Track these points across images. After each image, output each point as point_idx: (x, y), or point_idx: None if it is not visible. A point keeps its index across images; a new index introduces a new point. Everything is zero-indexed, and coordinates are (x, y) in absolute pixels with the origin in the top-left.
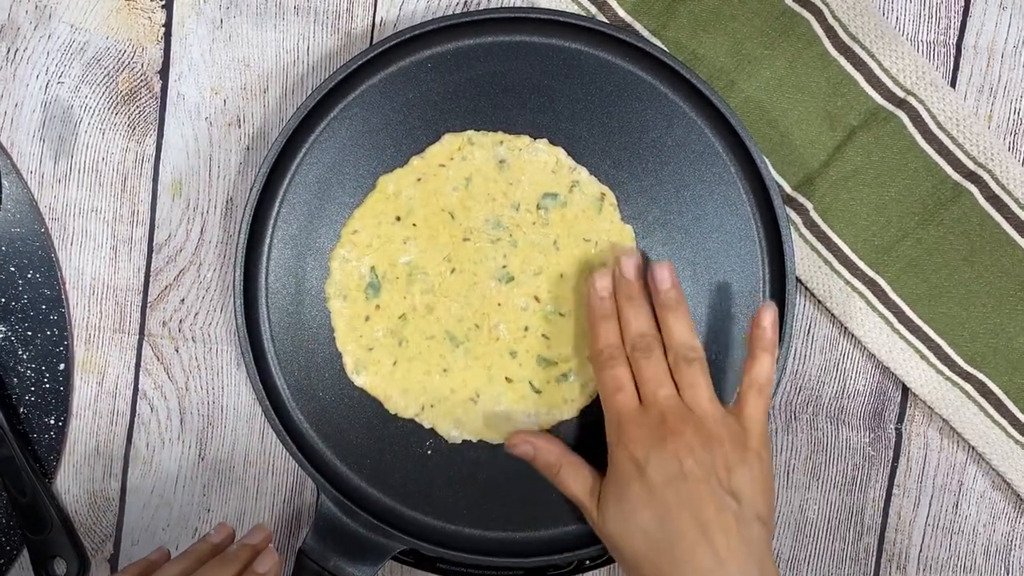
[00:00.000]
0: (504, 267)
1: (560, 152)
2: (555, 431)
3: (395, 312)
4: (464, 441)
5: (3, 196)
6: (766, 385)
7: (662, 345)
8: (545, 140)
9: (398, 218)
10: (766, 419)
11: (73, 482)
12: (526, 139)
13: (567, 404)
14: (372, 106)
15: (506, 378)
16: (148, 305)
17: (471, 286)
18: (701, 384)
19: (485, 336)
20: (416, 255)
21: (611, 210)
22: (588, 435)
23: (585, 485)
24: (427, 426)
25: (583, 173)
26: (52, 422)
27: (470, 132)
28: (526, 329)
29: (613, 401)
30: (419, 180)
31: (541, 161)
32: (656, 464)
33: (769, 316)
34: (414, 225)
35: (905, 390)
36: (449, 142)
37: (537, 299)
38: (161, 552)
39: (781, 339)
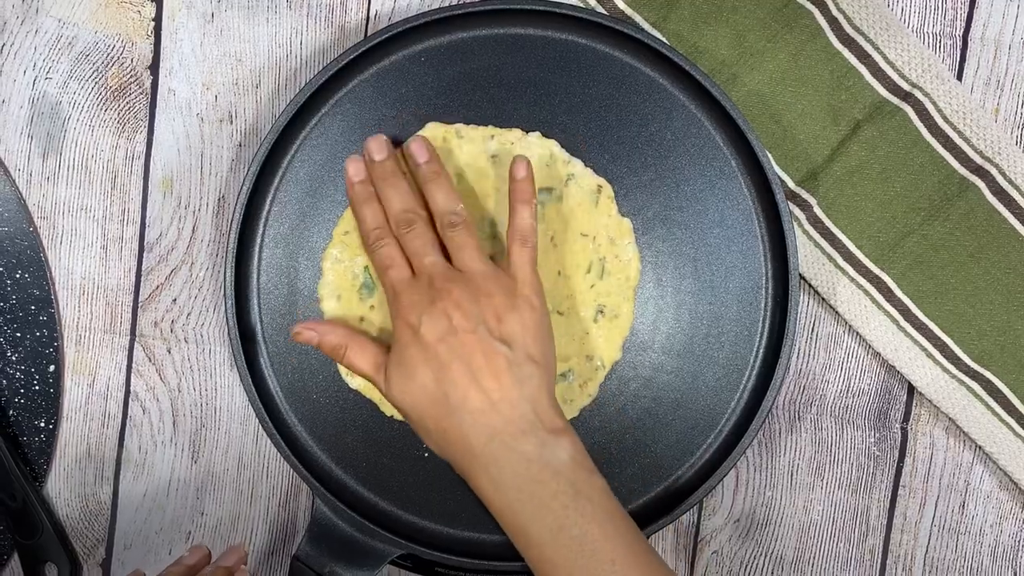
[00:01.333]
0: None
1: (554, 145)
2: None
3: (389, 313)
4: None
5: None
6: (529, 235)
7: (425, 216)
8: (538, 133)
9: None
10: (533, 267)
11: (64, 486)
12: (518, 132)
13: (567, 404)
14: (364, 101)
15: None
16: (139, 305)
17: None
18: (468, 245)
19: None
20: None
21: (608, 203)
22: (589, 436)
23: (372, 360)
24: None
25: (578, 166)
26: (42, 425)
27: (459, 124)
28: None
29: (387, 277)
30: (406, 173)
31: (535, 155)
32: (428, 324)
33: (522, 168)
34: None
35: (911, 389)
36: (433, 130)
37: None
38: (136, 574)
39: (784, 337)
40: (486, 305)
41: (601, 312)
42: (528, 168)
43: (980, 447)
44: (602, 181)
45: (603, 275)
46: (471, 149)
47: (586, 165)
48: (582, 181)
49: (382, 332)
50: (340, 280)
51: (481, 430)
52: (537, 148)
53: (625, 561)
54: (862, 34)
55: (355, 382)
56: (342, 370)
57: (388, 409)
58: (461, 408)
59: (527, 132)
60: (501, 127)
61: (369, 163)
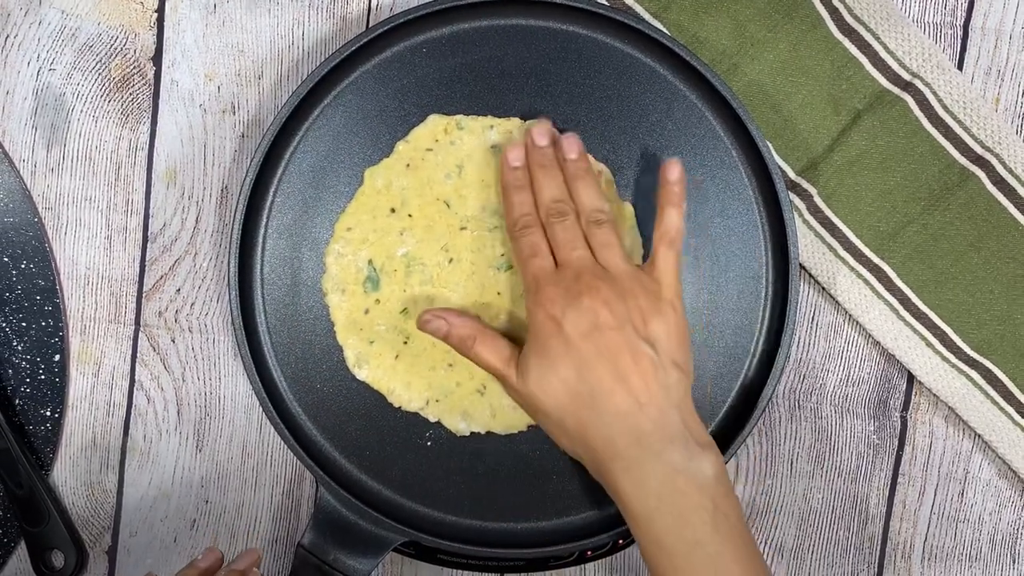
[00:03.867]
0: (502, 255)
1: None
2: None
3: (395, 305)
4: (472, 433)
5: None
6: (676, 238)
7: (575, 209)
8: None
9: (392, 210)
10: (678, 272)
11: (70, 474)
12: (516, 121)
13: None
14: (366, 92)
15: None
16: (144, 295)
17: (470, 275)
18: (613, 243)
19: None
20: (413, 246)
21: (609, 188)
22: None
23: (503, 354)
24: (432, 419)
25: None
26: (48, 414)
27: (459, 116)
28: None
29: (530, 266)
30: (408, 167)
31: None
32: (572, 319)
33: (675, 171)
34: (409, 216)
35: (910, 378)
36: (434, 123)
37: None
38: None
39: (784, 326)
40: (632, 305)
41: None
42: (682, 171)
43: (979, 436)
44: (602, 166)
45: None
46: (472, 140)
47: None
48: None
49: (390, 328)
50: (344, 274)
51: (627, 431)
52: None
53: None
54: (862, 24)
55: (362, 374)
56: (349, 360)
57: (396, 400)
58: (606, 407)
59: (525, 120)
60: (501, 117)
61: (530, 147)
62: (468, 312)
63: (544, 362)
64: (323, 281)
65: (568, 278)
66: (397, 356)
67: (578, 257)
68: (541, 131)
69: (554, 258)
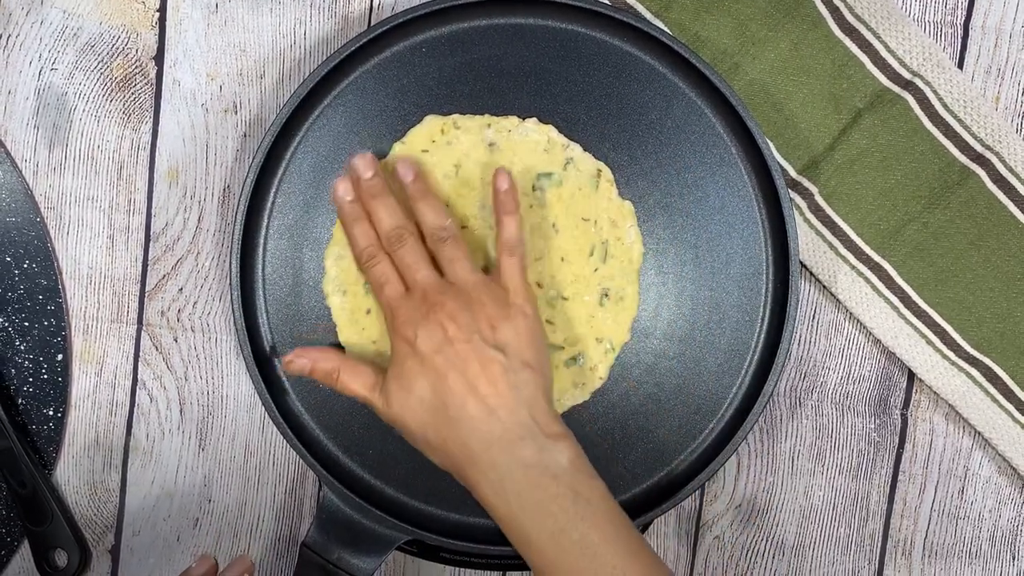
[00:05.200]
0: None
1: (551, 130)
2: (568, 416)
3: None
4: None
5: None
6: (517, 246)
7: (415, 231)
8: (535, 119)
9: None
10: (523, 276)
11: (73, 473)
12: (514, 119)
13: (578, 388)
14: (366, 92)
15: None
16: (146, 294)
17: None
18: (458, 257)
19: None
20: None
21: (608, 186)
22: (593, 422)
23: (367, 381)
24: None
25: (576, 150)
26: (51, 413)
27: (455, 115)
28: None
29: (382, 295)
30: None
31: (532, 141)
32: (423, 337)
33: (504, 181)
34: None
35: (911, 376)
36: (431, 123)
37: (540, 285)
38: None
39: (785, 324)
40: (479, 314)
41: (606, 295)
42: (510, 180)
43: (979, 433)
44: (601, 165)
45: (606, 258)
46: (468, 139)
47: (585, 151)
48: (581, 165)
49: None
50: (345, 275)
51: (481, 436)
52: (535, 134)
53: (626, 564)
54: (863, 23)
55: None
56: None
57: None
58: (460, 416)
59: (524, 119)
60: (498, 115)
61: (356, 181)
62: (330, 349)
63: (403, 383)
64: (324, 284)
65: (416, 299)
66: None
67: (423, 277)
68: (364, 164)
69: (405, 281)
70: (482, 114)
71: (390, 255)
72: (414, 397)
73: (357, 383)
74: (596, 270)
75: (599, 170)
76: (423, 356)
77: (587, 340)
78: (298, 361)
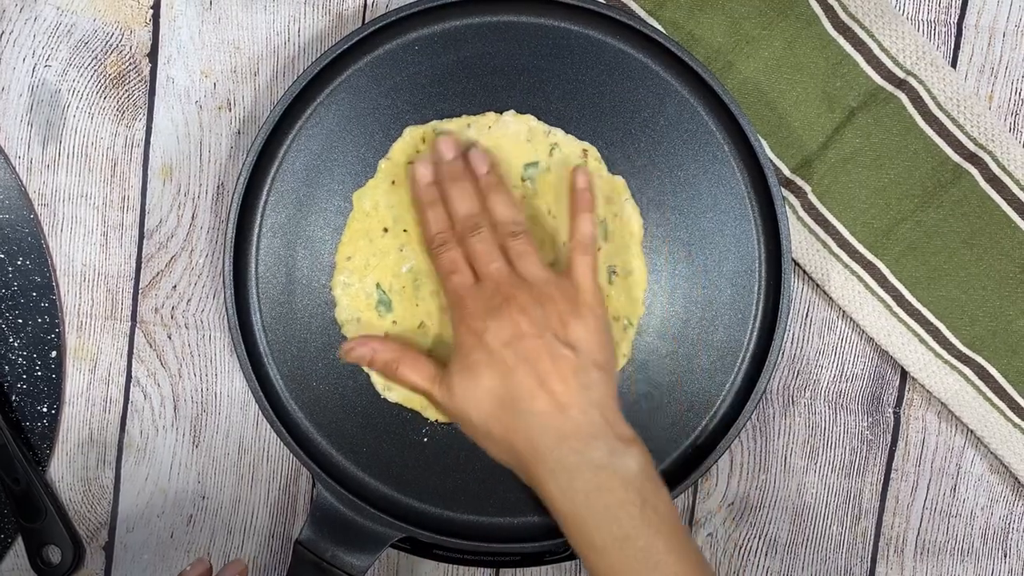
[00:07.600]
0: None
1: (530, 119)
2: None
3: (412, 323)
4: None
5: None
6: (590, 244)
7: (489, 222)
8: (512, 111)
9: (385, 229)
10: (595, 275)
11: (67, 470)
12: (492, 115)
13: None
14: (359, 91)
15: None
16: (140, 292)
17: None
18: (530, 252)
19: None
20: (416, 260)
21: (597, 164)
22: None
23: (427, 372)
24: (432, 419)
25: (559, 134)
26: (45, 410)
27: (433, 123)
28: None
29: (450, 283)
30: (393, 184)
31: (513, 132)
32: (493, 329)
33: (582, 179)
34: (405, 231)
35: (904, 374)
36: (411, 134)
37: None
38: None
39: (778, 322)
40: (551, 311)
41: (614, 272)
42: (588, 178)
43: (972, 431)
44: (586, 144)
45: (607, 236)
46: None
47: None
48: (566, 148)
49: (403, 342)
50: (355, 303)
51: (550, 433)
52: (514, 125)
53: (687, 575)
54: (857, 21)
55: (393, 396)
56: (377, 385)
57: (432, 415)
58: (528, 411)
59: (500, 112)
60: (474, 114)
61: (438, 162)
62: (391, 339)
63: (468, 374)
64: (336, 314)
65: (487, 291)
66: None
67: (496, 269)
68: (448, 144)
69: (474, 272)
70: (474, 113)
71: (462, 243)
72: (481, 389)
73: (417, 375)
74: (599, 250)
75: (584, 150)
76: (492, 349)
77: None
78: (359, 349)
